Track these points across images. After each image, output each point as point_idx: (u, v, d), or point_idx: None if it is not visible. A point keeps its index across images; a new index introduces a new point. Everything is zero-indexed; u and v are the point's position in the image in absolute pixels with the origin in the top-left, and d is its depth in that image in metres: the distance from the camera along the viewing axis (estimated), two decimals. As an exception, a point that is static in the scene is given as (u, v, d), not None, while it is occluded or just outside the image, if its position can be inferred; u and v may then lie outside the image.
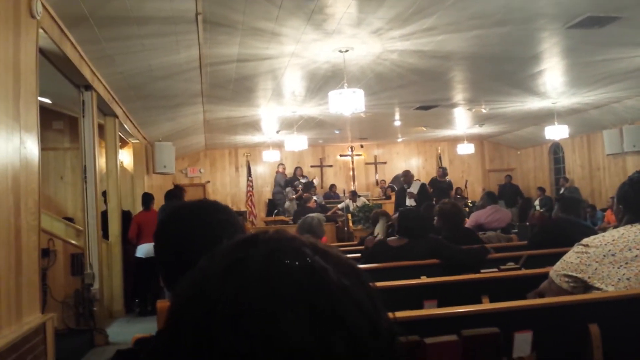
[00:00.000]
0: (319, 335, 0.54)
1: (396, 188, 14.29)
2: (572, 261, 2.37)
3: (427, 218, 5.68)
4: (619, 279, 2.25)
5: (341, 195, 14.29)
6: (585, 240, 2.40)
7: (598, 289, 2.27)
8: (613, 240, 2.34)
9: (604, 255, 2.30)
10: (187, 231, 1.37)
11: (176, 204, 1.59)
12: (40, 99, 6.20)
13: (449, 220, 4.74)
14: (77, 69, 5.11)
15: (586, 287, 2.31)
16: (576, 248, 2.41)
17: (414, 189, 9.90)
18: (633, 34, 6.34)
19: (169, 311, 0.61)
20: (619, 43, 6.73)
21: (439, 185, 11.60)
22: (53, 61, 4.86)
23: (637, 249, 2.29)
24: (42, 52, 4.32)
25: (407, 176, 10.09)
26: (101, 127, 7.09)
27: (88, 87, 5.77)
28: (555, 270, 2.44)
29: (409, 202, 9.72)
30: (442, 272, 3.65)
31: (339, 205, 12.56)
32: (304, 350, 0.53)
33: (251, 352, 0.53)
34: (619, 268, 2.27)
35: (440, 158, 16.59)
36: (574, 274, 2.34)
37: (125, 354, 1.22)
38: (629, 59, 7.57)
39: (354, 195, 13.41)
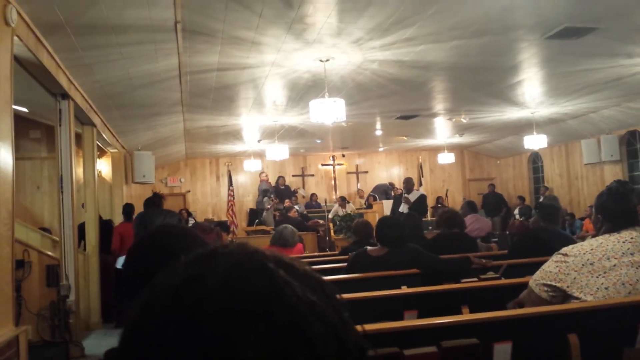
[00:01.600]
0: (280, 353, 0.51)
1: (377, 198, 14.34)
2: (551, 270, 2.37)
3: (414, 227, 5.74)
4: (598, 288, 2.25)
5: (322, 204, 14.29)
6: (564, 250, 2.40)
7: (577, 298, 2.27)
8: (592, 249, 2.34)
9: (583, 265, 2.30)
10: (151, 253, 1.35)
11: (145, 232, 1.60)
12: (16, 107, 6.12)
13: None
14: (53, 77, 5.03)
15: (565, 296, 2.31)
16: (555, 257, 2.41)
17: (413, 197, 9.91)
18: (610, 44, 6.43)
19: (124, 328, 0.58)
20: (596, 54, 6.83)
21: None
22: (29, 69, 4.78)
23: (615, 259, 2.29)
24: (17, 59, 4.25)
25: (408, 183, 10.10)
26: (79, 136, 7.00)
27: (65, 95, 5.69)
28: (535, 280, 2.44)
29: (403, 207, 9.71)
30: (423, 282, 3.64)
31: (330, 214, 12.54)
32: None
33: None
34: (597, 277, 2.27)
35: (421, 167, 16.67)
36: (553, 283, 2.34)
37: None
38: (606, 69, 7.68)
39: (343, 201, 13.47)
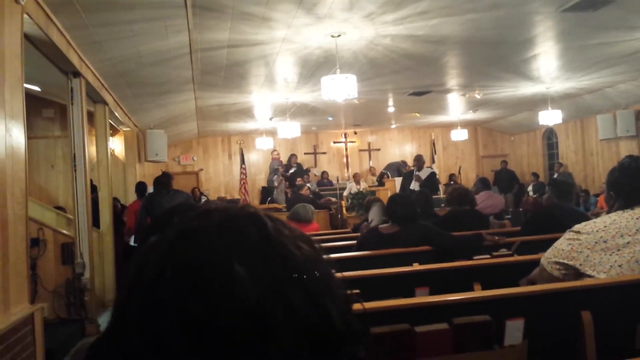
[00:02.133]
0: (276, 294, 0.54)
1: (390, 175, 14.30)
2: (564, 248, 2.34)
3: (425, 204, 5.72)
4: (611, 266, 2.22)
5: (334, 182, 14.29)
6: (576, 227, 2.37)
7: (589, 276, 2.24)
8: (605, 226, 2.31)
9: (596, 242, 2.27)
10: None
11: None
12: (29, 86, 6.14)
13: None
14: (64, 55, 5.02)
15: (577, 274, 2.28)
16: (567, 235, 2.38)
17: (423, 174, 9.87)
18: (627, 17, 6.29)
19: (124, 281, 0.60)
20: (614, 26, 6.68)
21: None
22: (40, 47, 4.77)
23: (629, 236, 2.26)
24: (27, 38, 4.24)
25: (419, 160, 10.05)
26: (91, 115, 7.00)
27: (76, 73, 5.68)
28: (547, 258, 2.42)
29: (414, 185, 9.67)
30: (434, 259, 3.63)
31: (345, 192, 12.55)
32: (261, 306, 0.53)
33: (207, 314, 0.52)
34: (610, 255, 2.24)
35: (434, 144, 16.56)
36: (565, 261, 2.31)
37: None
38: (623, 43, 7.52)
39: (355, 178, 13.54)
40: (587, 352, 2.11)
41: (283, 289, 0.55)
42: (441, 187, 14.17)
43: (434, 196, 8.46)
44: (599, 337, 2.12)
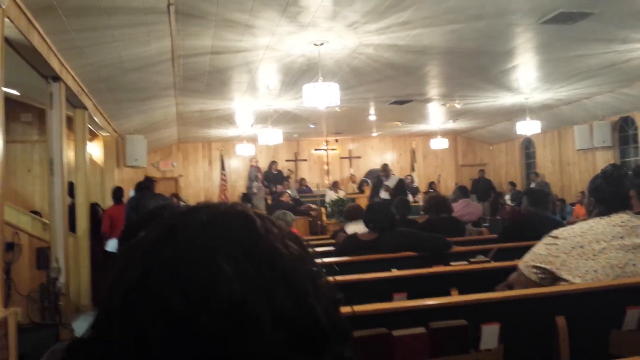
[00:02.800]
0: (261, 289, 0.54)
1: (370, 182, 14.37)
2: (541, 252, 2.39)
3: (405, 211, 5.78)
4: (587, 271, 2.27)
5: (314, 189, 14.31)
6: (554, 232, 2.42)
7: (566, 280, 2.29)
8: (582, 232, 2.36)
9: (572, 247, 2.32)
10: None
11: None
12: (7, 90, 6.06)
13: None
14: (45, 59, 4.98)
15: (554, 278, 2.33)
16: (545, 240, 2.42)
17: (391, 183, 9.93)
18: (605, 30, 6.43)
19: (109, 275, 0.60)
20: (592, 39, 6.82)
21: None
22: (20, 51, 4.72)
23: (605, 242, 2.31)
24: (8, 42, 4.20)
25: (385, 170, 10.10)
26: (70, 120, 6.95)
27: (56, 78, 5.64)
28: (525, 262, 2.46)
29: (384, 195, 9.73)
30: (413, 266, 3.66)
31: (326, 199, 12.60)
32: (245, 302, 0.53)
33: (191, 310, 0.52)
34: (586, 260, 2.29)
35: (414, 153, 16.69)
36: (543, 265, 2.36)
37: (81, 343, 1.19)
38: (601, 55, 7.68)
39: (335, 186, 13.58)
40: (561, 356, 2.15)
41: (269, 286, 0.55)
42: (420, 195, 14.30)
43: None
44: (574, 342, 2.16)
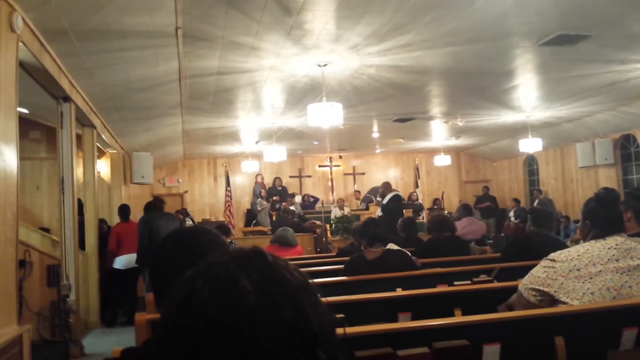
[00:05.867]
0: (271, 302, 0.77)
1: (374, 199, 14.47)
2: (540, 275, 2.47)
3: (409, 229, 5.92)
4: (584, 294, 2.35)
5: (319, 205, 14.40)
6: (552, 255, 2.50)
7: (564, 302, 2.36)
8: (578, 255, 2.44)
9: (570, 270, 2.40)
10: (178, 257, 1.49)
11: (171, 232, 1.73)
12: (18, 109, 6.17)
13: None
14: (55, 81, 5.11)
15: (552, 300, 2.40)
16: (543, 262, 2.50)
17: (386, 199, 9.99)
18: (603, 51, 6.54)
19: (161, 318, 0.83)
20: (590, 60, 6.94)
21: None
22: (32, 73, 4.86)
23: (601, 265, 2.39)
24: (21, 64, 4.33)
25: (384, 188, 10.15)
26: (79, 138, 7.07)
27: (66, 98, 5.77)
28: (524, 284, 2.54)
29: (378, 210, 9.80)
30: (418, 285, 3.73)
31: (332, 216, 12.70)
32: (260, 312, 0.76)
33: (221, 315, 0.75)
34: (583, 283, 2.37)
35: (417, 169, 16.78)
36: (541, 288, 2.43)
37: None
38: (600, 75, 7.79)
39: (341, 203, 13.70)
40: (560, 376, 2.22)
41: (278, 302, 0.77)
42: (425, 212, 14.36)
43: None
44: (571, 361, 2.23)
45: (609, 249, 2.43)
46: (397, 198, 9.94)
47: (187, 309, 0.78)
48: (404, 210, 10.76)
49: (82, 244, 6.92)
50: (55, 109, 5.87)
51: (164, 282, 1.43)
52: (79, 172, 7.18)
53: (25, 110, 7.74)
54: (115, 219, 9.25)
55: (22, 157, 8.60)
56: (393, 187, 14.89)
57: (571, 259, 2.43)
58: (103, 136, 8.23)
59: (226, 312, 0.75)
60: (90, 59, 5.33)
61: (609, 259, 2.40)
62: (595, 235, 2.53)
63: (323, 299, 0.85)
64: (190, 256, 1.42)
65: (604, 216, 2.53)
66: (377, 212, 9.89)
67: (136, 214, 8.84)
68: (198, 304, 0.77)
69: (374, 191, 15.63)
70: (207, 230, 1.65)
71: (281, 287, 0.79)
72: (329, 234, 11.62)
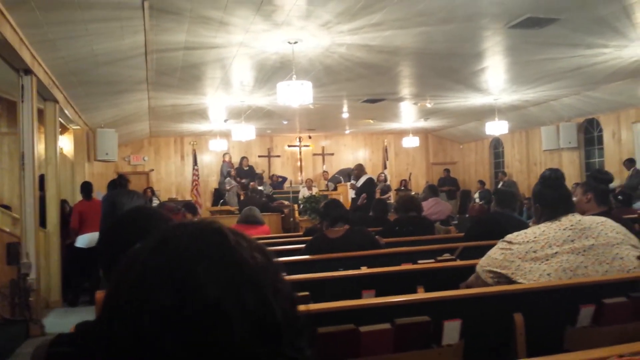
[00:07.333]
0: (233, 290, 0.69)
1: (342, 180, 14.50)
2: (497, 257, 2.51)
3: (382, 211, 5.96)
4: (540, 275, 2.39)
5: (287, 185, 14.38)
6: (508, 237, 2.53)
7: (521, 284, 2.41)
8: (535, 237, 2.47)
9: (526, 252, 2.44)
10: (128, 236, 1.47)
11: (119, 215, 1.75)
12: (-25, 81, 5.97)
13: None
14: (16, 52, 4.95)
15: (509, 282, 2.44)
16: (500, 244, 2.54)
17: (359, 182, 10.03)
18: (571, 35, 6.63)
19: (110, 280, 0.75)
20: (558, 44, 7.02)
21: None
22: (-10, 43, 4.70)
23: (557, 246, 2.43)
24: (-22, 33, 4.18)
25: (358, 170, 10.16)
26: (40, 112, 6.88)
27: (28, 71, 5.59)
28: (481, 266, 2.58)
29: (351, 193, 9.84)
30: (382, 264, 3.76)
31: (300, 196, 12.68)
32: (219, 304, 0.67)
33: (178, 306, 0.67)
34: (540, 264, 2.41)
35: (386, 150, 16.87)
36: (498, 270, 2.47)
37: (66, 337, 1.26)
38: (567, 59, 7.90)
39: (309, 183, 13.70)
40: (518, 351, 2.26)
41: (237, 288, 0.69)
42: (392, 193, 14.47)
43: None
44: (530, 338, 2.28)
45: (564, 229, 2.47)
46: (371, 181, 10.01)
47: (137, 294, 0.68)
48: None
49: (43, 222, 6.76)
50: (16, 82, 5.68)
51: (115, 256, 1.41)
52: (40, 148, 6.99)
53: (-16, 83, 7.49)
54: (77, 197, 9.07)
55: (-18, 132, 8.43)
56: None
57: (527, 241, 2.47)
58: (66, 111, 8.03)
59: (181, 301, 0.66)
60: (53, 30, 5.17)
61: (564, 240, 2.44)
62: (548, 217, 2.57)
63: (287, 277, 0.79)
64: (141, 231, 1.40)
65: (552, 196, 2.58)
66: (351, 194, 9.90)
67: (99, 193, 8.68)
68: (150, 290, 0.68)
69: (342, 172, 15.67)
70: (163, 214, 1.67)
71: (242, 272, 0.71)
72: (296, 214, 11.62)
